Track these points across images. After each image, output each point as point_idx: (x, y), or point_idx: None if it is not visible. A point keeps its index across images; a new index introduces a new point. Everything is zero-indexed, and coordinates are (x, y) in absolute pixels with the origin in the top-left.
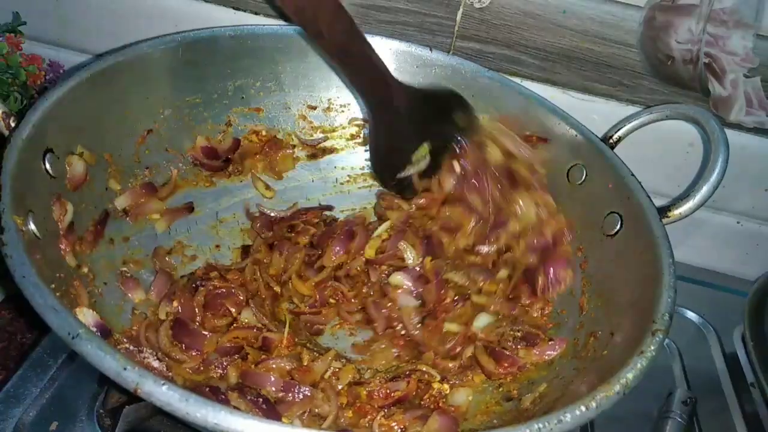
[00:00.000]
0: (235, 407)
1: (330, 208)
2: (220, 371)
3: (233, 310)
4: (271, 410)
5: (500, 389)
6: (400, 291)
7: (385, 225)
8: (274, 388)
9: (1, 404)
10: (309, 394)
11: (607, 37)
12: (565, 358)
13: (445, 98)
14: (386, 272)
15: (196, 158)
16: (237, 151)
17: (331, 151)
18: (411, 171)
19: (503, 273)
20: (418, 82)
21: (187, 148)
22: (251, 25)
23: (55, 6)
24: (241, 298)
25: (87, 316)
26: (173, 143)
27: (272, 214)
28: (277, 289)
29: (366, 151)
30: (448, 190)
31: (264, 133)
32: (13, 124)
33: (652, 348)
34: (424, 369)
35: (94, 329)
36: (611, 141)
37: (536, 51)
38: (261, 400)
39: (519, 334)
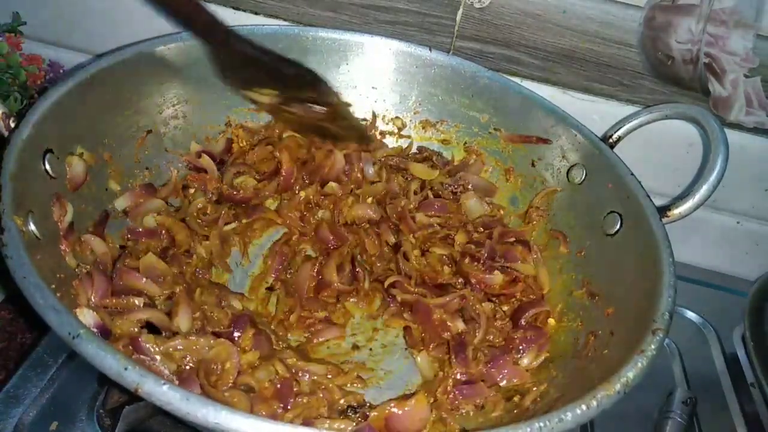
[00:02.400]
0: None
1: None
2: None
3: None
4: None
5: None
6: None
7: None
8: None
9: (1, 404)
10: None
11: (607, 37)
12: (565, 357)
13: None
14: None
15: (191, 163)
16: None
17: None
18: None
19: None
20: (418, 82)
21: (185, 152)
22: (251, 25)
23: (55, 6)
24: None
25: (87, 316)
26: (173, 144)
27: None
28: None
29: None
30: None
31: (250, 125)
32: (13, 124)
33: (653, 347)
34: None
35: (95, 329)
36: (611, 141)
37: (536, 51)
38: None
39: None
